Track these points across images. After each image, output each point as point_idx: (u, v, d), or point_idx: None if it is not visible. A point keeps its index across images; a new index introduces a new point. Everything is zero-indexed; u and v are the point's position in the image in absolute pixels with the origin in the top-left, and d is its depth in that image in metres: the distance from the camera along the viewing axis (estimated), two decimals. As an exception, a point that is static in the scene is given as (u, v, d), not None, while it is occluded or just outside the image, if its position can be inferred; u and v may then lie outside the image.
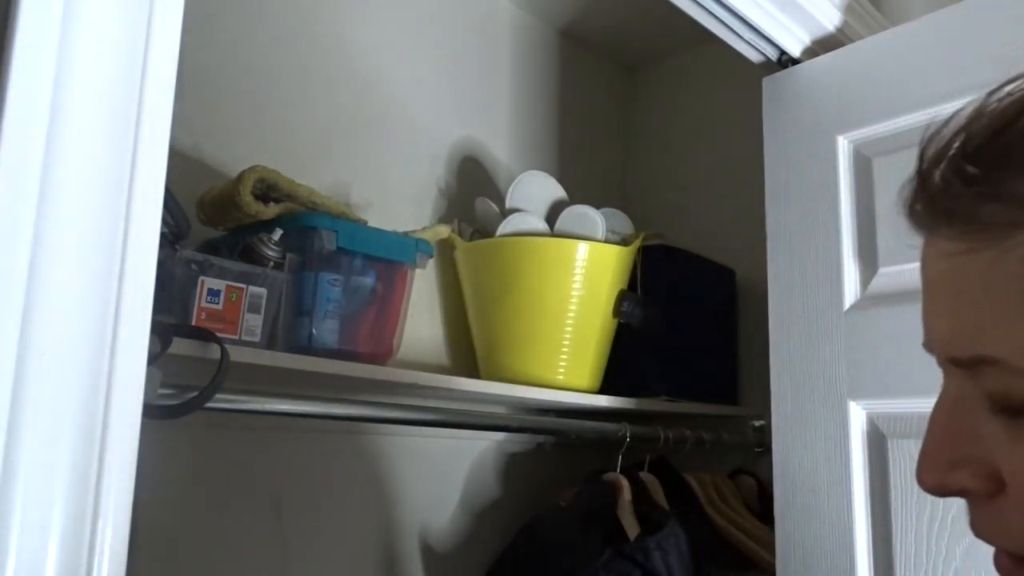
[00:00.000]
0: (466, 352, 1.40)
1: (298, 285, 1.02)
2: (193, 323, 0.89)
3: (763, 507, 1.43)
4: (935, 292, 0.40)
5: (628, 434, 1.28)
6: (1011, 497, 0.37)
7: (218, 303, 0.92)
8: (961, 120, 0.38)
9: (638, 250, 1.36)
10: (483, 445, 1.43)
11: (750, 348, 1.54)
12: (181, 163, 1.07)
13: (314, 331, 1.02)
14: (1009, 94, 0.38)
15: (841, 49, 1.16)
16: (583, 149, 1.77)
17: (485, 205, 1.37)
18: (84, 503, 0.48)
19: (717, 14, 1.13)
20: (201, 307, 0.91)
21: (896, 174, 1.06)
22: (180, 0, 0.56)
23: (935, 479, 0.39)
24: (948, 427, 0.40)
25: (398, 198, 1.38)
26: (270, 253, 0.99)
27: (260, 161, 1.02)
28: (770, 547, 1.16)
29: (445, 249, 1.39)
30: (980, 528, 0.40)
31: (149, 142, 0.53)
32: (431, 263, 1.35)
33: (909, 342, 1.04)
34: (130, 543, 0.50)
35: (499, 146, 1.58)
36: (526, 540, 1.23)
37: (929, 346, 0.41)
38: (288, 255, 1.01)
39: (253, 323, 0.95)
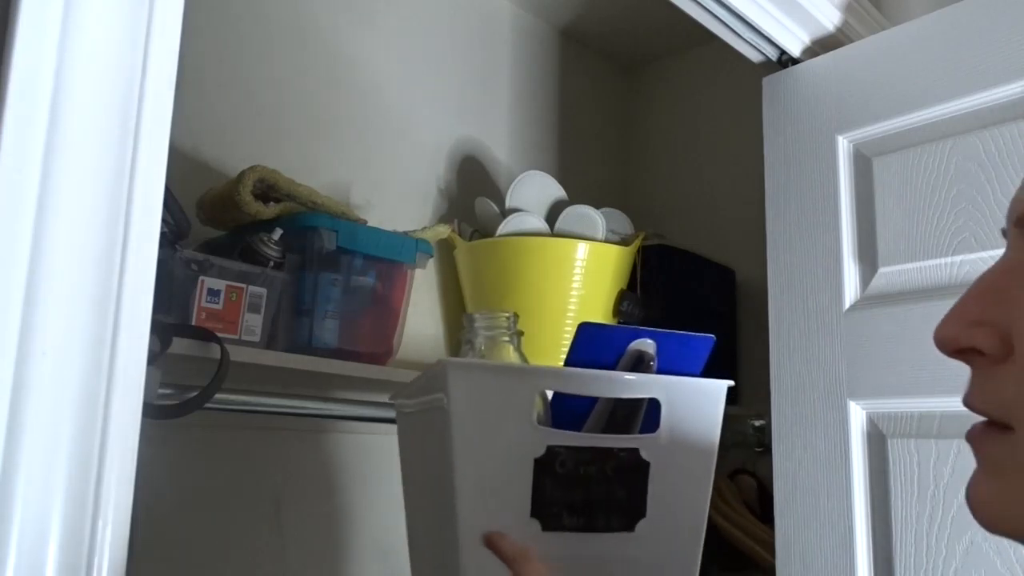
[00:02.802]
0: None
1: (298, 285, 1.02)
2: (193, 323, 0.89)
3: (763, 507, 1.43)
4: None
5: (628, 434, 1.28)
6: (1015, 364, 0.39)
7: (218, 303, 0.92)
8: None
9: (638, 250, 1.36)
10: (483, 445, 1.42)
11: (750, 348, 1.54)
12: (181, 163, 1.07)
13: (314, 331, 1.02)
14: None
15: (841, 49, 1.16)
16: (583, 149, 1.77)
17: (485, 205, 1.37)
18: (84, 503, 0.48)
19: (717, 14, 1.13)
20: (201, 307, 0.91)
21: (896, 174, 1.07)
22: (180, 0, 0.56)
23: (954, 331, 0.41)
24: (988, 288, 0.41)
25: (398, 198, 1.38)
26: (270, 253, 0.99)
27: (260, 161, 1.02)
28: (770, 547, 1.16)
29: (445, 249, 1.39)
30: (974, 395, 0.41)
31: (149, 142, 0.53)
32: (431, 263, 1.35)
33: (909, 342, 1.05)
34: (130, 543, 0.50)
35: (499, 146, 1.58)
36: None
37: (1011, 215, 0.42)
38: (288, 255, 1.01)
39: (253, 323, 0.95)
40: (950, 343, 0.41)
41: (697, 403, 0.79)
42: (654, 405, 0.77)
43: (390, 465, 1.29)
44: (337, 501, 1.23)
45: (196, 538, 1.07)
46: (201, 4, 1.05)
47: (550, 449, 0.71)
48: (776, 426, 1.14)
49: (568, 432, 0.73)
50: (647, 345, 0.79)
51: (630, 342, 0.79)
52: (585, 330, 0.78)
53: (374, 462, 1.27)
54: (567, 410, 0.77)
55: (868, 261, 1.08)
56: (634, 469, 0.74)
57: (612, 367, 0.79)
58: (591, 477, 0.73)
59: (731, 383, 0.82)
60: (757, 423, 1.49)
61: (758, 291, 1.23)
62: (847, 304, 1.09)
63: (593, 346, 0.78)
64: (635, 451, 0.74)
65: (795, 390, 1.12)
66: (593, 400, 0.79)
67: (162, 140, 0.54)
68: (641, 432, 0.78)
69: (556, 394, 0.77)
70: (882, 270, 1.07)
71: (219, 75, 1.17)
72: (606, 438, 0.75)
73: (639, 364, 0.78)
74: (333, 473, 1.23)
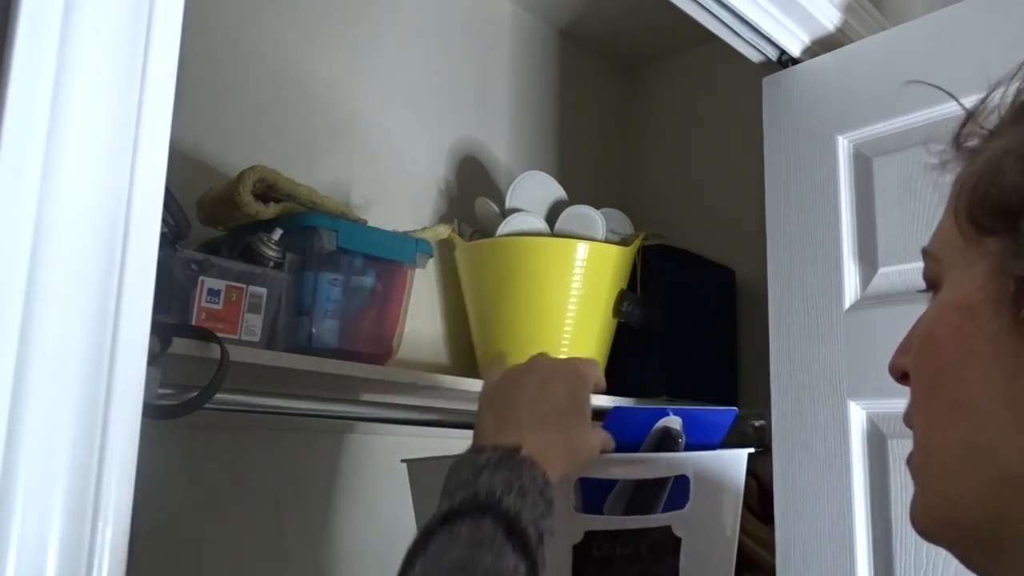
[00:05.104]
0: (466, 352, 1.40)
1: (298, 285, 1.02)
2: (193, 323, 0.89)
3: (763, 507, 1.42)
4: None
5: (628, 434, 1.28)
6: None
7: (218, 303, 0.92)
8: None
9: (638, 250, 1.36)
10: (483, 445, 1.42)
11: (750, 348, 1.54)
12: (181, 163, 1.06)
13: (314, 331, 1.02)
14: None
15: (841, 49, 1.16)
16: (583, 149, 1.77)
17: (485, 205, 1.37)
18: (84, 503, 0.48)
19: (717, 14, 1.13)
20: (201, 307, 0.91)
21: (896, 174, 1.07)
22: (180, 0, 0.56)
23: (891, 361, 0.48)
24: (915, 322, 0.47)
25: (398, 198, 1.38)
26: (270, 253, 0.99)
27: (260, 161, 1.02)
28: (770, 547, 1.16)
29: (445, 249, 1.39)
30: (906, 411, 0.47)
31: (149, 142, 0.53)
32: (431, 263, 1.35)
33: (909, 342, 1.04)
34: (130, 543, 0.50)
35: (499, 146, 1.58)
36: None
37: None
38: (288, 255, 1.01)
39: (253, 323, 0.95)
40: (891, 370, 0.48)
41: (722, 473, 0.81)
42: (681, 480, 0.77)
43: (390, 465, 1.29)
44: (337, 501, 1.23)
45: (196, 538, 1.07)
46: (201, 4, 1.05)
47: (588, 535, 0.71)
48: (776, 426, 1.14)
49: (604, 517, 0.73)
50: (674, 422, 0.79)
51: (657, 420, 0.79)
52: (614, 414, 0.78)
53: (374, 462, 1.27)
54: (591, 487, 0.77)
55: (868, 261, 1.08)
56: (667, 546, 0.76)
57: (639, 443, 0.78)
58: (627, 557, 0.74)
59: (751, 450, 0.83)
60: (757, 423, 1.49)
61: (758, 291, 1.23)
62: (847, 304, 1.09)
63: (621, 427, 0.77)
64: (667, 528, 0.75)
65: (795, 390, 1.12)
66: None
67: (162, 140, 0.54)
68: (669, 505, 0.77)
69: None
70: (882, 270, 1.07)
71: (219, 75, 1.17)
72: (640, 520, 0.75)
73: (666, 439, 0.78)
74: (333, 473, 1.23)
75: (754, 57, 1.23)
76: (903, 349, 0.48)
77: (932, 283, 0.46)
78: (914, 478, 0.45)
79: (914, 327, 0.47)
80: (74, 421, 0.48)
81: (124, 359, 0.50)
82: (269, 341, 0.98)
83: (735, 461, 0.82)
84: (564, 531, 0.69)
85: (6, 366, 0.46)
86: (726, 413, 0.84)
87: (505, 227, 1.31)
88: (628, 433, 0.77)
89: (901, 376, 0.47)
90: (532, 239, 1.30)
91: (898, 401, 1.11)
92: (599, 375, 0.72)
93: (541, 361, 0.71)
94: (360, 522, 1.25)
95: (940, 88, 0.52)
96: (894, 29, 1.11)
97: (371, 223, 1.14)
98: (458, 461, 0.62)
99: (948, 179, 0.46)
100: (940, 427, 0.42)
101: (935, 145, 0.46)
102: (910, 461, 0.46)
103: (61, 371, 0.48)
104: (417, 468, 0.82)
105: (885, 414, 1.04)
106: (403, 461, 0.83)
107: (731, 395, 1.55)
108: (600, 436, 0.71)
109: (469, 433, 0.70)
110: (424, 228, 1.28)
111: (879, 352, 1.03)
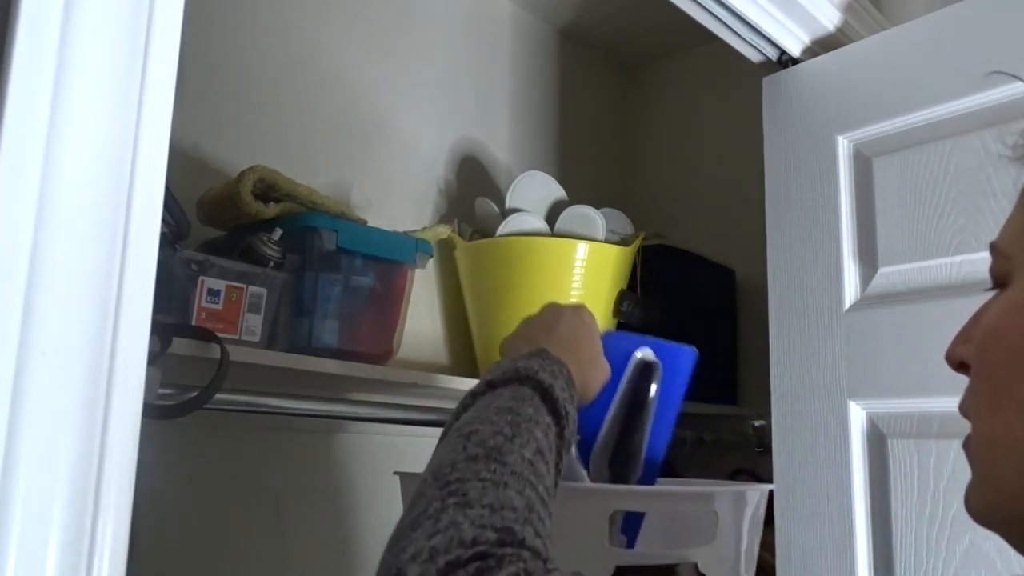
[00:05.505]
0: (466, 352, 1.40)
1: (298, 285, 1.02)
2: (193, 323, 0.89)
3: (763, 507, 1.43)
4: None
5: (628, 434, 1.28)
6: (973, 373, 0.45)
7: (218, 303, 0.92)
8: None
9: (638, 250, 1.36)
10: (483, 445, 1.42)
11: (750, 348, 1.54)
12: (181, 163, 1.06)
13: (314, 331, 1.02)
14: None
15: (841, 49, 1.15)
16: (583, 149, 1.77)
17: (485, 205, 1.37)
18: (84, 503, 0.48)
19: (717, 14, 1.13)
20: (201, 307, 0.91)
21: (896, 174, 1.07)
22: (180, 0, 0.56)
23: (948, 350, 0.48)
24: (978, 309, 0.46)
25: (398, 198, 1.38)
26: (270, 253, 0.99)
27: (260, 161, 1.02)
28: (770, 547, 1.16)
29: (445, 249, 1.39)
30: (960, 402, 0.46)
31: (149, 142, 0.53)
32: (431, 263, 1.35)
33: (909, 342, 1.04)
34: (130, 543, 0.50)
35: (499, 146, 1.58)
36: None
37: None
38: (288, 255, 1.01)
39: (253, 323, 0.95)
40: (948, 359, 0.48)
41: (745, 509, 0.81)
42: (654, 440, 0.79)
43: (390, 465, 1.29)
44: (337, 501, 1.23)
45: (196, 538, 1.07)
46: (201, 4, 1.05)
47: (619, 570, 0.71)
48: (776, 426, 1.14)
49: (635, 552, 0.75)
50: (649, 353, 0.80)
51: (633, 350, 0.81)
52: (604, 340, 0.78)
53: (374, 462, 1.27)
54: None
55: (868, 261, 1.08)
56: None
57: (619, 378, 0.80)
58: None
59: (771, 487, 0.84)
60: (757, 423, 1.49)
61: (758, 291, 1.23)
62: (847, 304, 1.09)
63: (607, 356, 0.78)
64: (694, 564, 0.76)
65: (795, 390, 1.12)
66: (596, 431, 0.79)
67: (162, 140, 0.54)
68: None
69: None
70: (882, 270, 1.07)
71: (219, 75, 1.17)
72: (670, 555, 0.76)
73: (646, 370, 0.79)
74: (333, 473, 1.23)
75: (754, 57, 1.23)
76: (963, 338, 0.47)
77: (1000, 280, 0.45)
78: (972, 466, 0.45)
79: (976, 317, 0.46)
80: (74, 421, 0.48)
81: (124, 359, 0.50)
82: (269, 341, 0.98)
83: (759, 498, 0.82)
84: (596, 566, 0.71)
85: (6, 366, 0.46)
86: (688, 351, 0.85)
87: (505, 227, 1.31)
88: (613, 364, 0.79)
89: (959, 365, 0.47)
90: (532, 239, 1.30)
91: (898, 401, 1.11)
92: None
93: (551, 304, 0.78)
94: (360, 521, 1.25)
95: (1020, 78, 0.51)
96: (894, 29, 1.11)
97: (371, 223, 1.14)
98: (496, 362, 0.69)
99: None
100: (1004, 425, 0.42)
101: (1010, 136, 0.46)
102: (967, 446, 0.45)
103: (61, 371, 0.48)
104: (410, 481, 0.82)
105: (885, 414, 1.04)
106: (396, 473, 0.84)
107: (731, 395, 1.55)
108: (606, 368, 0.76)
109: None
110: (424, 228, 1.28)
111: (879, 352, 1.03)
